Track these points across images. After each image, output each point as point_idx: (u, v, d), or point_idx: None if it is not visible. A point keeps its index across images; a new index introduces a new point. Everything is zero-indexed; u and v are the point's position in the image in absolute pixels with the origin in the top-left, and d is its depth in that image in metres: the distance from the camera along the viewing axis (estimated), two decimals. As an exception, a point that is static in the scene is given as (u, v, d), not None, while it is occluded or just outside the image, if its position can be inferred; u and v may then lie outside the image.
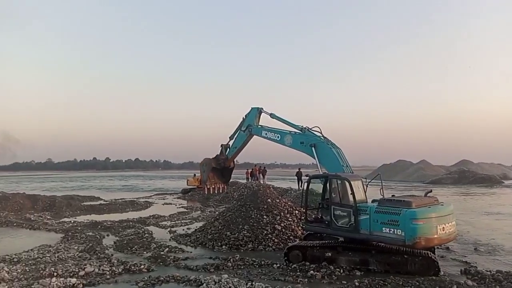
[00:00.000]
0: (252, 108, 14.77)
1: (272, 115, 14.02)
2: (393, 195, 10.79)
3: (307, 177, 10.84)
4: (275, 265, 10.39)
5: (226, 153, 15.83)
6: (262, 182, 32.21)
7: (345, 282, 8.76)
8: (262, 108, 14.60)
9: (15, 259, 11.15)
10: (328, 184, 10.33)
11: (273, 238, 12.81)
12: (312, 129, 12.31)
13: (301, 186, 28.59)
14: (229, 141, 16.33)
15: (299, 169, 33.46)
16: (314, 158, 11.66)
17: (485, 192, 40.27)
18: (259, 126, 14.26)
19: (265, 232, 13.03)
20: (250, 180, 35.26)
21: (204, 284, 8.32)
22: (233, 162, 16.56)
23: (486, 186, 50.14)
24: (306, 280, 9.12)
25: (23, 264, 10.58)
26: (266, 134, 13.75)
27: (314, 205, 11.72)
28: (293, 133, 12.87)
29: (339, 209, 9.90)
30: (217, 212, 19.83)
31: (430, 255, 9.38)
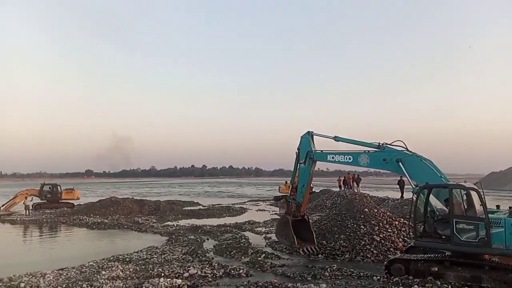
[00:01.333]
0: (301, 137, 13.05)
1: (336, 138, 12.21)
2: (497, 205, 9.77)
3: (417, 188, 9.94)
4: (375, 277, 9.94)
5: (297, 200, 13.10)
6: (356, 191, 31.27)
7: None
8: (312, 131, 12.93)
9: (127, 259, 12.21)
10: (449, 195, 9.36)
11: (372, 249, 12.31)
12: (393, 144, 11.31)
13: (403, 196, 27.09)
14: (290, 188, 14.28)
15: (401, 177, 31.38)
16: (403, 173, 10.75)
17: None
18: (322, 151, 12.58)
19: (363, 242, 12.59)
20: (343, 188, 34.45)
21: (303, 293, 8.27)
22: (306, 213, 13.51)
23: None
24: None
25: (134, 263, 11.53)
26: (333, 158, 12.26)
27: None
28: (369, 152, 11.54)
29: (464, 222, 8.97)
30: (310, 221, 19.73)
31: None
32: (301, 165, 12.84)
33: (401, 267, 9.73)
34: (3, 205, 30.81)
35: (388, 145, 11.08)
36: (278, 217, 23.78)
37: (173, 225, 21.58)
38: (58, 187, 33.67)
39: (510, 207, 9.05)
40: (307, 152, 12.56)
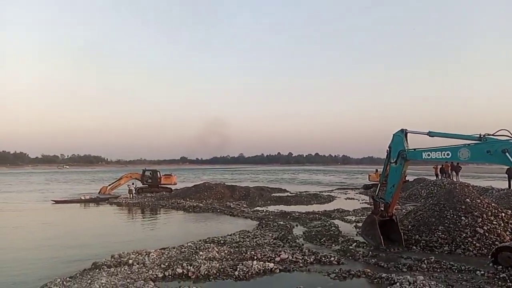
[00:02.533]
0: (394, 134, 12.28)
1: (430, 133, 11.32)
2: None
3: None
4: (478, 271, 9.21)
5: (385, 200, 12.56)
6: (455, 180, 29.08)
7: None
8: (406, 129, 12.07)
9: (222, 241, 12.84)
10: None
11: (474, 242, 11.40)
12: (496, 134, 10.01)
13: (511, 187, 24.67)
14: (378, 188, 13.63)
15: None
16: (511, 165, 9.68)
17: None
18: (415, 150, 11.85)
19: (464, 235, 11.70)
20: (440, 177, 32.25)
21: (398, 284, 7.99)
22: (394, 214, 12.79)
23: None
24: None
25: (228, 246, 12.09)
26: (428, 155, 11.49)
27: None
28: (469, 145, 10.58)
29: None
30: (404, 210, 18.86)
31: None
32: (392, 164, 12.19)
33: (510, 255, 9.03)
34: (109, 185, 35.65)
35: (491, 136, 10.08)
36: (369, 206, 23.14)
37: (263, 210, 22.16)
38: (158, 172, 36.52)
39: None
40: (399, 151, 11.90)
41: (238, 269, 9.36)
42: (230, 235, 14.04)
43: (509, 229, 11.91)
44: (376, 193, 13.13)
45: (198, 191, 29.89)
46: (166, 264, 9.83)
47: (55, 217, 21.55)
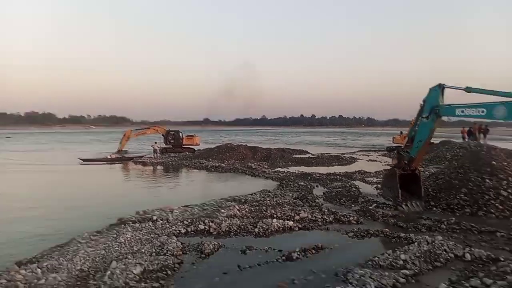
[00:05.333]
0: (430, 89, 11.74)
1: (467, 89, 10.62)
2: None
3: None
4: (498, 233, 9.17)
5: (410, 154, 12.30)
6: (482, 142, 28.34)
7: None
8: (444, 84, 11.45)
9: (243, 200, 13.09)
10: None
11: (497, 205, 11.23)
12: None
13: None
14: (406, 141, 13.22)
15: None
16: None
17: None
18: (450, 105, 11.35)
19: (487, 197, 11.54)
20: (467, 139, 31.49)
21: (416, 243, 8.03)
22: (418, 168, 12.58)
23: None
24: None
25: (249, 204, 12.32)
26: (462, 112, 10.92)
27: None
28: (508, 102, 9.94)
29: None
30: (427, 173, 18.65)
31: None
32: (423, 119, 11.80)
33: None
34: (136, 134, 38.23)
35: None
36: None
37: (284, 171, 22.32)
38: (180, 133, 37.12)
39: None
40: (433, 106, 11.45)
41: (258, 226, 9.58)
42: (251, 194, 14.28)
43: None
44: (402, 148, 12.87)
45: (220, 152, 30.28)
46: (189, 220, 10.15)
47: (82, 177, 22.40)
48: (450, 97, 11.45)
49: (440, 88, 11.48)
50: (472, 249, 7.77)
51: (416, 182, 12.40)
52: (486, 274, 6.53)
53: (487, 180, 11.99)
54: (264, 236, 9.18)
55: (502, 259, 7.25)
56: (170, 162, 27.85)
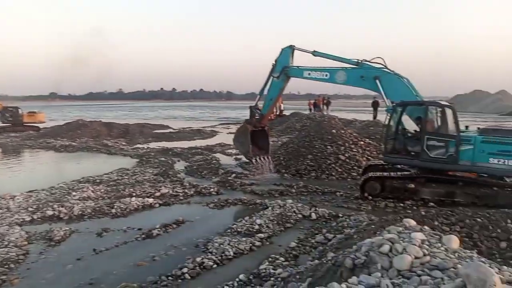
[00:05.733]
0: (282, 49, 12.37)
1: (315, 53, 11.68)
2: (466, 126, 10.20)
3: (393, 106, 9.87)
4: (338, 193, 10.57)
5: (261, 111, 13.05)
6: (325, 113, 31.80)
7: (410, 212, 8.66)
8: (294, 46, 12.30)
9: (98, 180, 12.25)
10: (424, 112, 9.43)
11: (337, 168, 12.87)
12: (372, 61, 10.75)
13: (376, 117, 27.76)
14: (257, 100, 13.68)
15: (375, 97, 31.16)
16: (379, 92, 10.65)
17: None
18: (298, 67, 12.24)
19: (329, 161, 13.10)
20: (313, 111, 34.94)
21: (270, 208, 8.72)
22: (267, 125, 13.75)
23: None
24: (370, 208, 9.23)
25: (105, 185, 11.62)
26: (309, 74, 11.84)
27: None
28: (347, 68, 11.25)
29: (435, 139, 9.31)
30: (279, 142, 20.15)
31: None
32: (274, 78, 12.51)
33: (376, 185, 9.95)
34: None
35: (367, 62, 10.81)
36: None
37: (143, 147, 21.57)
38: (19, 110, 32.66)
39: (478, 128, 9.49)
40: (283, 67, 12.22)
41: (115, 206, 9.16)
42: (107, 174, 13.44)
43: (366, 155, 13.66)
44: (254, 105, 13.47)
45: (70, 129, 27.57)
46: (34, 207, 9.11)
47: None
48: (303, 62, 12.47)
49: (291, 49, 12.29)
50: (317, 209, 8.79)
51: (265, 138, 13.40)
52: (328, 230, 7.48)
53: (329, 147, 13.58)
54: (122, 216, 8.80)
55: (341, 215, 8.37)
56: (10, 143, 24.33)
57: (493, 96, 73.41)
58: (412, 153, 9.61)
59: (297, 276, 4.75)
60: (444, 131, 9.36)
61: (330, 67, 11.57)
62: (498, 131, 8.98)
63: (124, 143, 23.65)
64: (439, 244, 3.23)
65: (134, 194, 10.40)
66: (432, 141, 9.28)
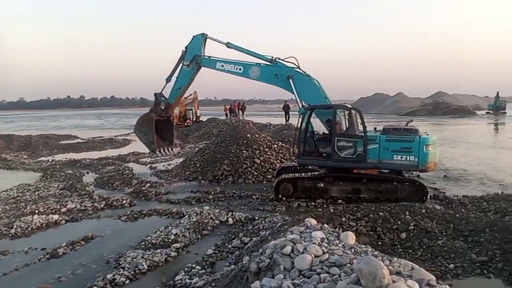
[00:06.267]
0: (194, 36, 11.63)
1: (228, 44, 11.28)
2: (375, 127, 11.07)
3: (304, 109, 10.22)
4: (254, 196, 10.73)
5: (167, 100, 12.07)
6: (241, 118, 32.26)
7: (320, 210, 9.09)
8: (207, 34, 11.66)
9: (-7, 199, 11.08)
10: (332, 115, 9.97)
11: (253, 171, 13.08)
12: (285, 60, 10.79)
13: (288, 120, 28.71)
14: (164, 88, 12.59)
15: (286, 101, 32.14)
16: (292, 91, 10.92)
17: (457, 123, 41.59)
18: (210, 57, 11.61)
19: (245, 166, 13.26)
20: (229, 116, 35.24)
21: (186, 216, 8.55)
22: (173, 114, 13.01)
23: (459, 117, 51.66)
24: (284, 208, 9.52)
25: (3, 203, 10.54)
26: (222, 66, 11.33)
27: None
28: (261, 64, 11.09)
29: (344, 140, 9.82)
30: (196, 149, 19.97)
31: (417, 181, 9.87)
32: (184, 66, 11.65)
33: (288, 186, 10.34)
34: None
35: (281, 60, 10.81)
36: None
37: (48, 160, 19.91)
38: None
39: (384, 127, 10.26)
40: (194, 55, 11.44)
41: (15, 226, 8.36)
42: (6, 190, 12.18)
43: (279, 158, 14.09)
44: (160, 92, 12.29)
45: (-41, 144, 24.58)
46: None
47: None
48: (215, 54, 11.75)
49: (204, 37, 11.61)
50: (234, 213, 8.84)
51: (169, 128, 12.50)
52: (244, 233, 7.57)
53: (244, 151, 13.78)
54: (23, 237, 8.06)
55: (257, 218, 8.51)
56: None
57: (392, 98, 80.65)
58: (324, 154, 10.17)
59: (213, 284, 4.72)
60: (352, 132, 10.02)
61: (245, 61, 11.24)
62: (398, 130, 9.80)
63: (25, 156, 21.68)
64: (337, 241, 3.42)
65: (37, 211, 9.57)
66: (342, 142, 9.86)
